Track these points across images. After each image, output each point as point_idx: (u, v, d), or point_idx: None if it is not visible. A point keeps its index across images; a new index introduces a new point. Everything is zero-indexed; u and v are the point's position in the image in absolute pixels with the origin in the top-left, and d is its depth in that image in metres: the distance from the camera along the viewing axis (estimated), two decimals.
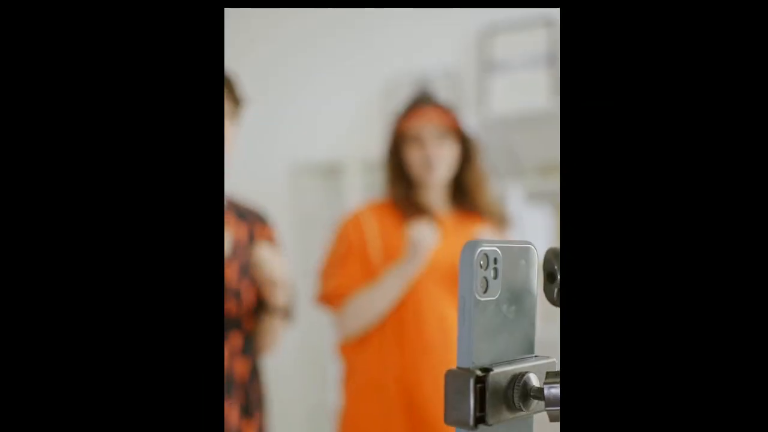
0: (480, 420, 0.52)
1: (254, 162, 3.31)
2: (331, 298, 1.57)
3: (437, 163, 1.59)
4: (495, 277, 0.54)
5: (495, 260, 0.54)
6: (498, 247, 0.54)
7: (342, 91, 3.16)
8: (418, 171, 1.61)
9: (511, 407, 0.53)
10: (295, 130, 3.25)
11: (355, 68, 3.12)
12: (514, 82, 2.77)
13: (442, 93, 2.91)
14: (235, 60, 3.37)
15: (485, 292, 0.53)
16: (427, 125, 1.60)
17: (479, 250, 0.52)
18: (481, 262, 0.53)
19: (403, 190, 1.62)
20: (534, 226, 2.64)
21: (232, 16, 3.36)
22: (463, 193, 1.64)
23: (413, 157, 1.61)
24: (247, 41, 3.37)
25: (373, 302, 1.50)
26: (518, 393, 0.53)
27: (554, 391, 0.53)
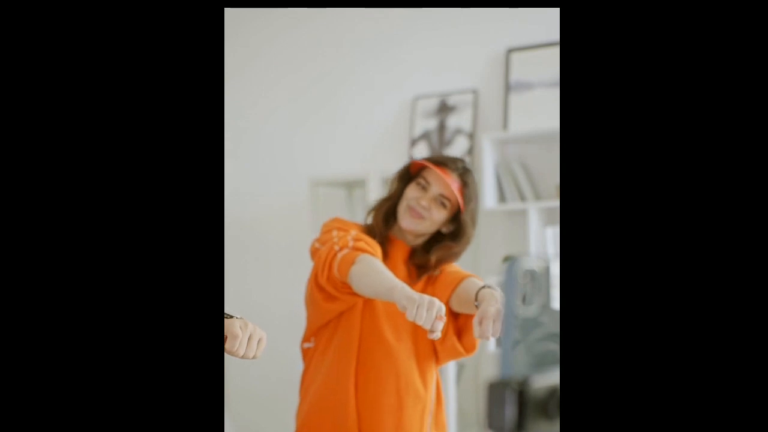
0: (518, 429, 0.54)
1: (276, 174, 3.35)
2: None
3: (423, 215, 1.60)
4: (536, 292, 0.56)
5: (536, 276, 0.56)
6: (539, 263, 0.56)
7: (366, 107, 3.19)
8: (403, 210, 1.62)
9: (549, 417, 0.56)
10: (318, 144, 3.28)
11: (380, 85, 3.15)
12: (536, 102, 2.80)
13: (466, 112, 2.94)
14: (261, 71, 3.41)
15: (526, 306, 0.56)
16: (438, 182, 1.60)
17: (521, 265, 0.55)
18: (523, 278, 0.55)
19: (384, 220, 1.64)
20: (552, 243, 2.66)
21: (258, 26, 3.40)
22: (428, 253, 1.63)
23: (409, 194, 1.62)
24: (275, 53, 3.40)
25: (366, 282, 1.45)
26: (556, 403, 0.56)
27: None
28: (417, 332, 1.60)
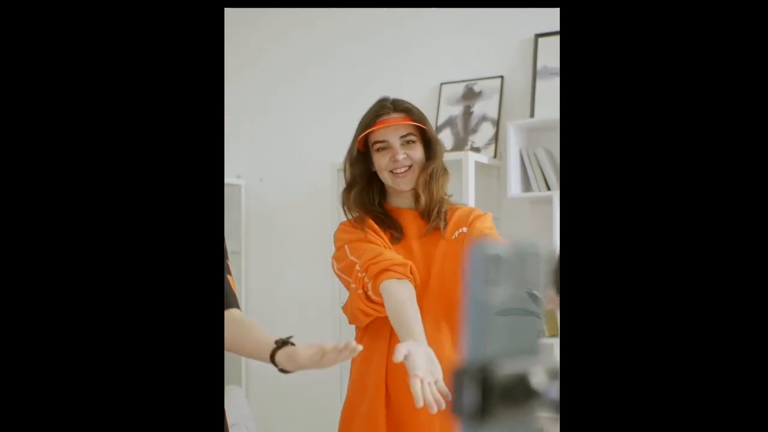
0: (482, 414, 0.54)
1: (301, 161, 3.36)
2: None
3: (406, 164, 1.62)
4: (501, 278, 0.55)
5: (502, 261, 0.55)
6: (505, 248, 0.55)
7: (392, 93, 3.17)
8: (388, 178, 1.64)
9: (513, 403, 0.55)
10: (342, 130, 3.28)
11: (406, 71, 3.14)
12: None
13: (492, 98, 2.92)
14: (292, 57, 3.42)
15: (491, 291, 0.55)
16: (392, 132, 1.63)
17: (487, 250, 0.54)
18: (488, 263, 0.55)
19: (374, 206, 1.66)
20: None
21: (281, 16, 3.41)
22: (424, 191, 1.65)
23: (381, 163, 1.64)
24: (298, 41, 3.41)
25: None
26: (519, 390, 0.55)
27: (555, 389, 0.55)
28: (444, 314, 1.61)
